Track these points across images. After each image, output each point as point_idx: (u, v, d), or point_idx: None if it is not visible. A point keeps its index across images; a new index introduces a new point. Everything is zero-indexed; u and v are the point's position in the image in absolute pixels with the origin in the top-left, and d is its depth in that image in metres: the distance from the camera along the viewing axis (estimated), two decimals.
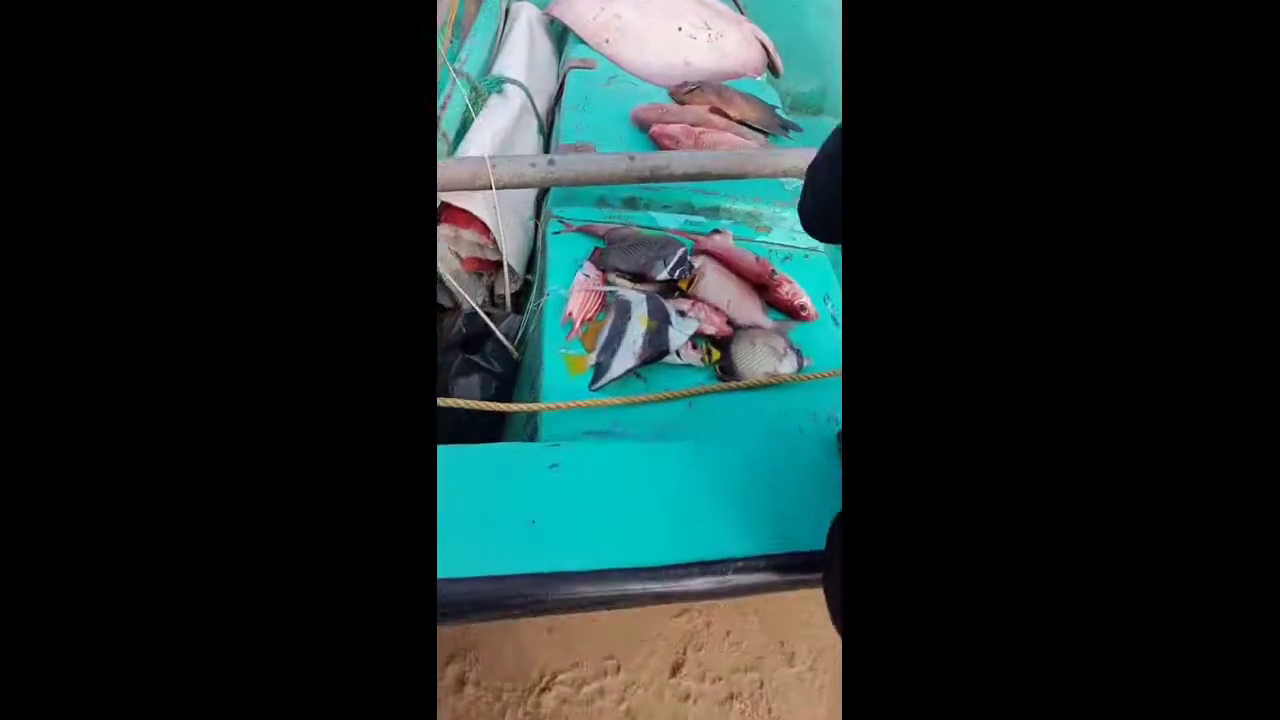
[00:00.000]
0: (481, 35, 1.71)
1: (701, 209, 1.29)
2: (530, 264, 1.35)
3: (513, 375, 1.11)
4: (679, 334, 0.94)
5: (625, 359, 0.92)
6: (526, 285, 1.31)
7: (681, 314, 0.97)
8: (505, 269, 1.18)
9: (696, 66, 1.64)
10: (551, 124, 1.61)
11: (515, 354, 1.11)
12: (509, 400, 1.10)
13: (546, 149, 1.59)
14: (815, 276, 1.19)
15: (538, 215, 1.34)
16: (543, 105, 1.65)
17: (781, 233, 1.27)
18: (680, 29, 1.67)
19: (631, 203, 1.26)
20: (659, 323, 0.95)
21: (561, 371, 0.94)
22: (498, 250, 1.23)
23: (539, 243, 1.20)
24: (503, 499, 0.69)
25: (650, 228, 1.21)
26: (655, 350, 0.93)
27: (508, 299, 1.17)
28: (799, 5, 2.11)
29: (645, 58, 1.62)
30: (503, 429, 1.07)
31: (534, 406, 0.87)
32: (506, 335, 1.10)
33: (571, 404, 0.87)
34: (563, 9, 1.73)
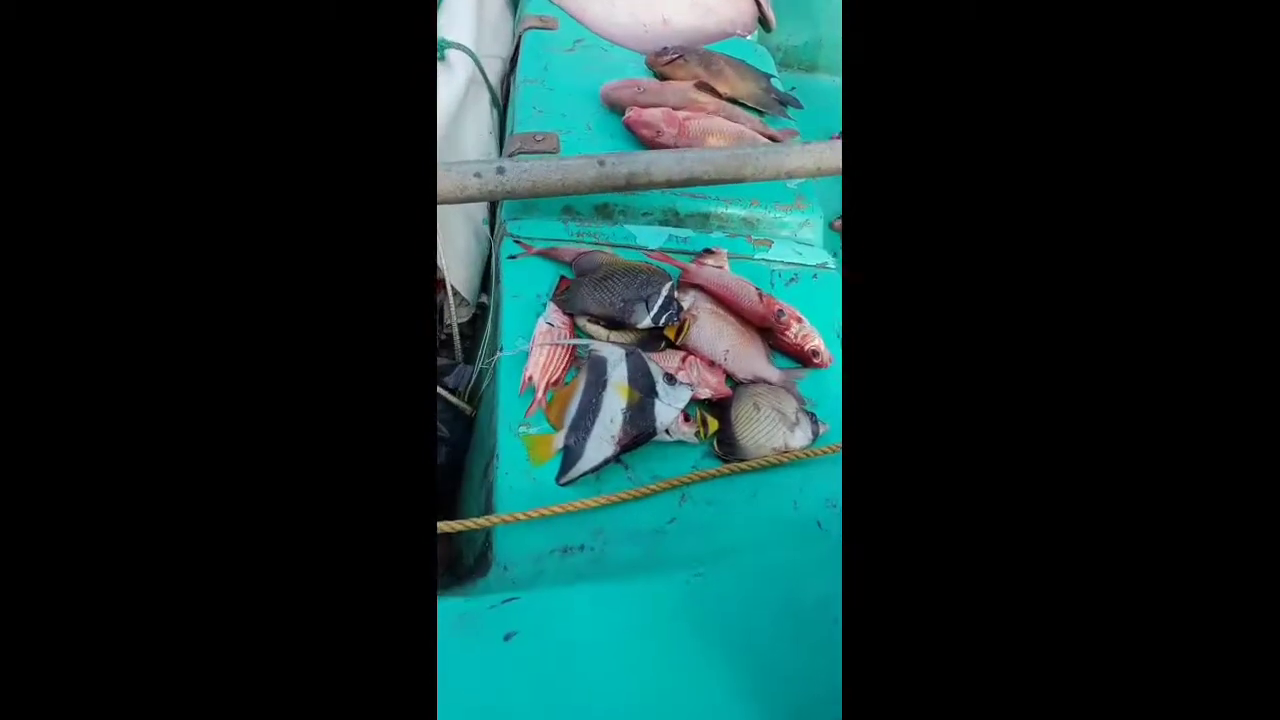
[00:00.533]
0: None
1: (688, 216, 1.07)
2: (485, 281, 1.13)
3: (466, 437, 0.91)
4: (668, 408, 0.75)
5: (601, 445, 0.73)
6: (482, 310, 1.09)
7: (670, 379, 0.78)
8: (449, 299, 0.96)
9: (677, 26, 1.37)
10: (507, 95, 1.34)
11: (469, 410, 0.91)
12: (461, 469, 0.91)
13: (502, 127, 1.33)
14: (827, 302, 1.00)
15: (492, 225, 1.10)
16: (495, 72, 1.37)
17: (784, 245, 1.06)
18: None
19: (604, 211, 1.04)
20: (642, 394, 0.76)
21: (520, 457, 0.75)
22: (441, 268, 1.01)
23: (493, 266, 0.98)
24: (447, 693, 0.51)
25: (627, 247, 0.99)
26: (638, 432, 0.74)
27: (456, 341, 0.95)
28: None
29: (616, 15, 1.34)
30: (455, 509, 0.89)
31: (485, 522, 0.68)
32: (455, 388, 0.90)
33: (533, 513, 0.69)
34: None
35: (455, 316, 0.99)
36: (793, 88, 1.91)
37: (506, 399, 0.79)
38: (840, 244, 1.56)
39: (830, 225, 1.58)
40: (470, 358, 0.98)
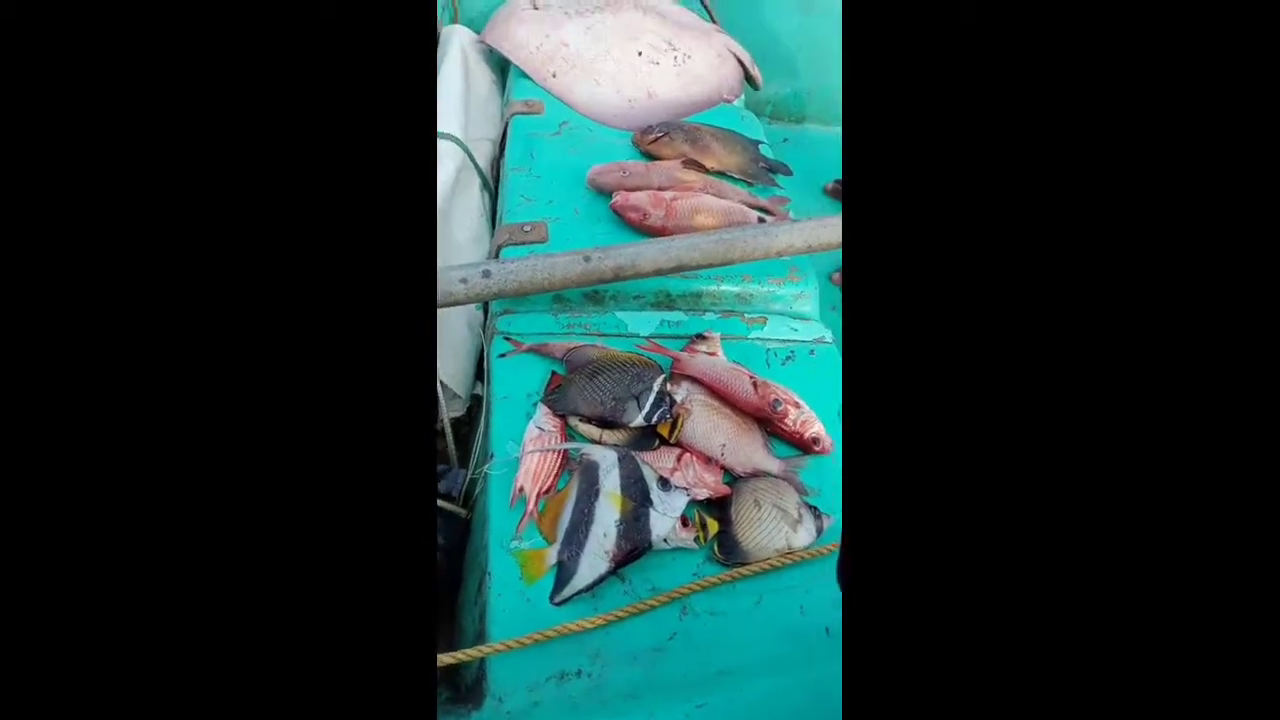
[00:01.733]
0: None
1: (680, 297, 1.06)
2: (479, 371, 1.12)
3: (462, 544, 0.89)
4: (663, 519, 0.73)
5: (595, 560, 0.71)
6: (476, 403, 1.08)
7: (665, 483, 0.76)
8: (441, 397, 0.96)
9: (663, 98, 1.39)
10: (498, 179, 1.36)
11: (464, 514, 0.89)
12: (458, 576, 0.89)
13: (493, 209, 1.34)
14: (825, 381, 0.98)
15: (485, 316, 1.10)
16: (485, 156, 1.40)
17: (779, 322, 1.05)
18: (640, 53, 1.41)
19: (595, 298, 1.03)
20: (636, 504, 0.74)
21: (513, 574, 0.73)
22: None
23: (484, 363, 0.97)
24: None
25: (619, 336, 0.98)
26: (633, 546, 0.72)
27: (449, 441, 0.95)
28: (769, 1, 1.85)
29: (601, 94, 1.36)
30: (453, 619, 0.86)
31: (477, 653, 0.66)
32: (448, 494, 0.88)
33: (527, 639, 0.66)
34: (499, 36, 1.47)
35: (447, 413, 0.98)
36: (785, 139, 1.94)
37: (497, 512, 0.77)
38: (839, 298, 1.54)
39: (830, 278, 1.57)
40: (464, 457, 0.97)
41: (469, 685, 0.70)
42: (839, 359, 1.02)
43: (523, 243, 1.07)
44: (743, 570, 0.75)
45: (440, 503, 0.86)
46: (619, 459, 0.78)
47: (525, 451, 0.80)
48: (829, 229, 1.01)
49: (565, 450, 0.80)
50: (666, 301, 1.06)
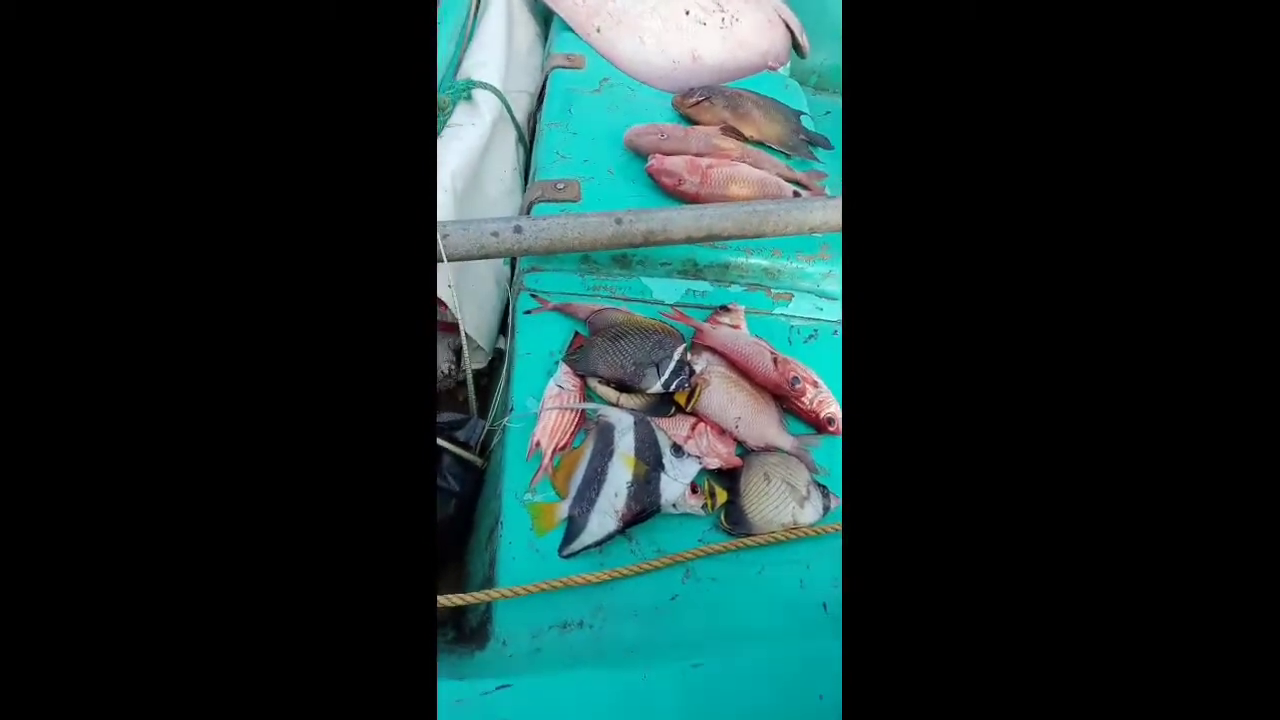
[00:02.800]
0: (449, 15, 1.42)
1: (708, 267, 1.05)
2: (503, 325, 1.14)
3: (477, 490, 0.92)
4: (674, 483, 0.74)
5: (604, 518, 0.73)
6: (499, 356, 1.10)
7: (678, 450, 0.77)
8: (464, 346, 0.97)
9: (707, 62, 1.36)
10: (534, 131, 1.34)
11: (480, 463, 0.91)
12: (470, 523, 0.92)
13: (527, 163, 1.33)
14: None
15: (512, 271, 1.11)
16: (522, 109, 1.38)
17: (805, 300, 1.04)
18: (687, 12, 1.37)
19: (623, 262, 1.03)
20: (648, 467, 0.75)
21: (524, 524, 0.75)
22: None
23: (509, 318, 0.98)
24: None
25: (644, 301, 0.98)
26: (642, 508, 0.73)
27: (471, 391, 0.96)
28: None
29: (644, 52, 1.33)
30: (462, 565, 0.89)
31: (484, 596, 0.68)
32: (466, 442, 0.91)
33: (533, 588, 0.69)
34: None
35: (470, 363, 1.00)
36: (827, 112, 1.88)
37: (514, 464, 0.79)
38: None
39: None
40: (484, 408, 0.99)
41: (474, 627, 0.73)
42: None
43: (555, 200, 1.06)
44: (746, 541, 0.76)
45: (458, 450, 0.88)
46: (635, 422, 0.79)
47: (544, 408, 0.81)
48: None
49: (583, 409, 0.82)
50: (694, 270, 1.05)
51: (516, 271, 1.05)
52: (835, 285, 1.08)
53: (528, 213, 1.07)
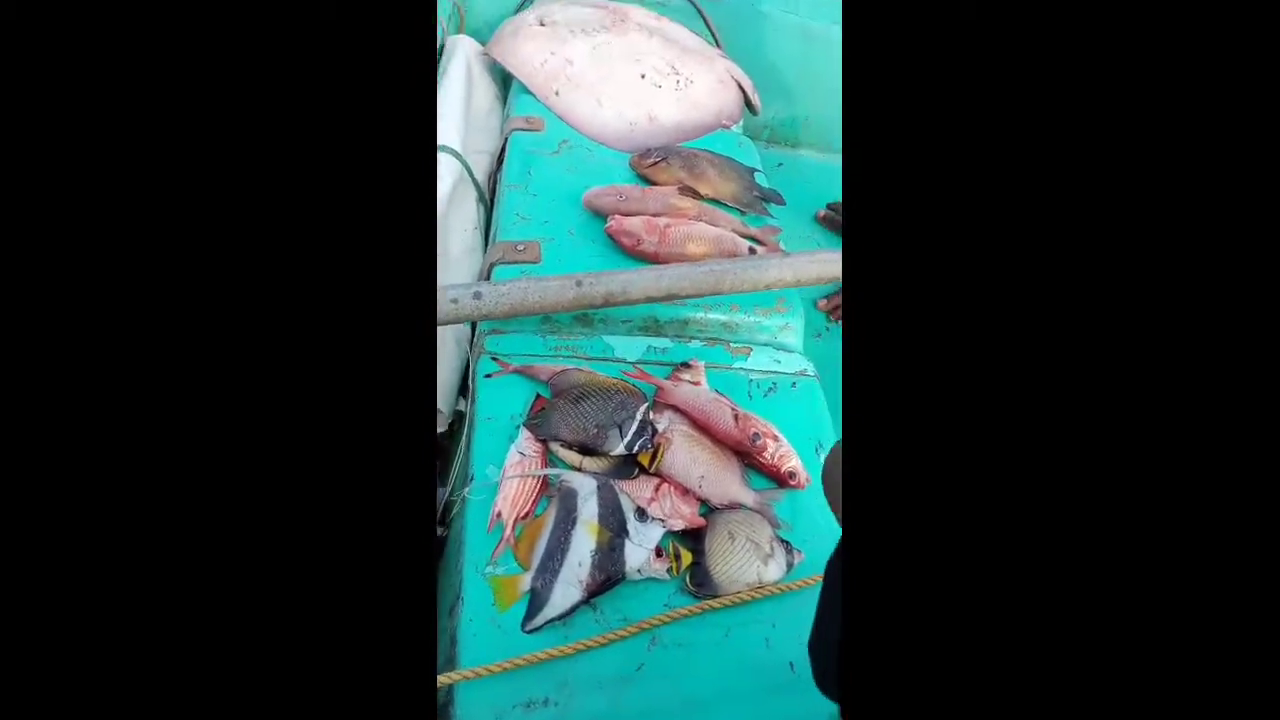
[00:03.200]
0: None
1: (668, 323, 1.07)
2: (464, 387, 1.13)
3: (438, 561, 0.90)
4: (638, 550, 0.74)
5: (569, 589, 0.72)
6: (459, 420, 1.09)
7: (642, 514, 0.77)
8: None
9: (662, 122, 1.41)
10: (494, 192, 1.37)
11: (440, 532, 0.90)
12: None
13: (488, 224, 1.35)
14: (805, 413, 1.00)
15: (472, 333, 1.11)
16: (483, 169, 1.40)
17: (763, 353, 1.06)
18: (643, 76, 1.43)
19: (584, 319, 1.04)
20: (612, 534, 0.75)
21: (485, 599, 0.74)
22: None
23: (470, 380, 0.98)
24: None
25: (606, 360, 0.99)
26: (607, 576, 0.73)
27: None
28: (773, 28, 1.87)
29: (602, 114, 1.38)
30: None
31: (446, 679, 0.66)
32: None
33: (495, 667, 0.67)
34: (504, 50, 1.48)
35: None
36: (780, 164, 1.96)
37: (474, 535, 0.78)
38: (823, 324, 1.56)
39: (815, 304, 1.59)
40: (444, 474, 0.98)
41: (438, 709, 0.71)
42: (819, 392, 1.04)
43: (515, 262, 1.08)
44: (712, 603, 0.76)
45: None
46: (598, 487, 0.79)
47: (505, 476, 0.80)
48: (817, 264, 1.03)
49: (545, 476, 0.81)
50: (654, 327, 1.07)
51: (476, 333, 1.05)
52: (792, 338, 1.11)
53: (489, 275, 1.08)
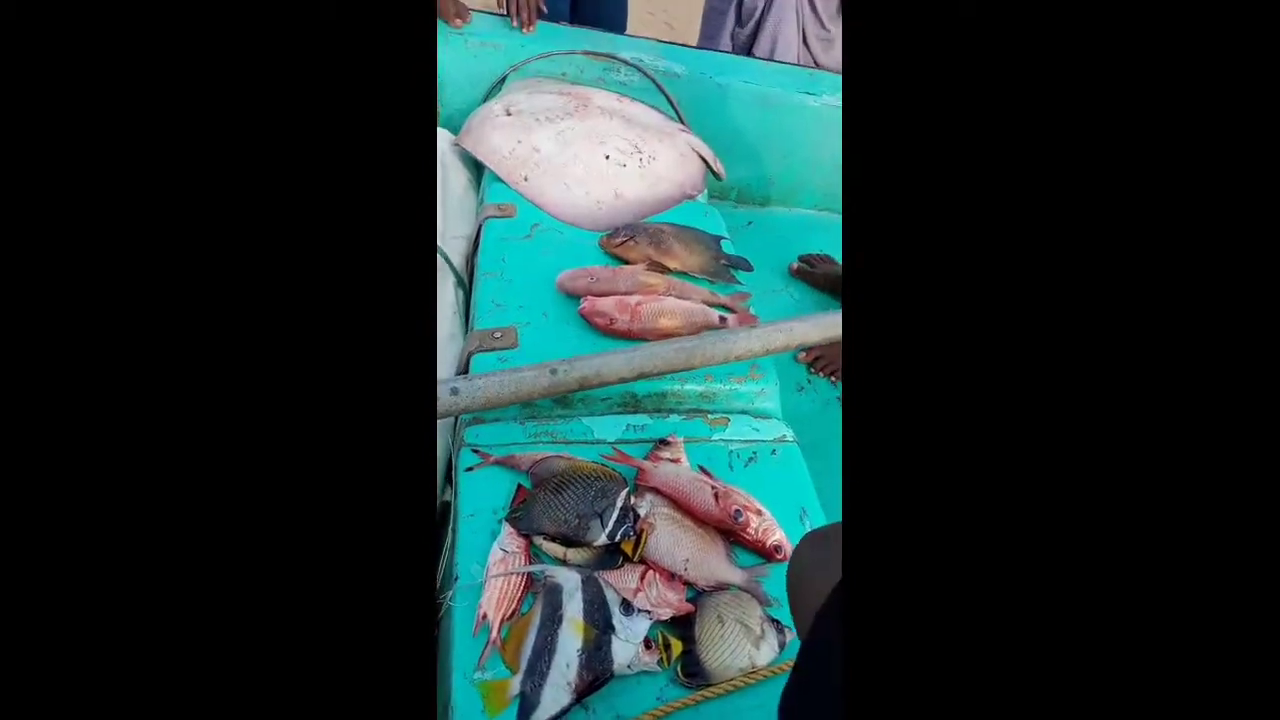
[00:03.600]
0: None
1: (646, 397, 1.09)
2: (448, 476, 1.13)
3: None
4: (626, 645, 0.74)
5: (558, 692, 0.71)
6: (444, 511, 1.09)
7: (628, 607, 0.77)
8: None
9: (629, 198, 1.47)
10: (472, 274, 1.40)
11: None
12: None
13: (467, 308, 1.38)
14: (786, 481, 1.01)
15: (454, 425, 1.12)
16: (459, 254, 1.45)
17: (741, 422, 1.08)
18: (607, 157, 1.49)
19: (564, 401, 1.06)
20: (598, 630, 0.74)
21: (475, 706, 0.72)
22: None
23: (452, 475, 0.99)
24: None
25: (585, 443, 1.01)
26: (595, 676, 0.72)
27: None
28: (731, 97, 1.97)
29: (571, 196, 1.43)
30: None
31: None
32: None
33: None
34: (474, 140, 1.54)
35: None
36: (749, 222, 2.03)
37: (461, 640, 0.77)
38: (804, 376, 1.59)
39: (795, 358, 1.62)
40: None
41: None
42: (799, 457, 1.05)
43: (492, 349, 1.10)
44: (706, 693, 0.75)
45: None
46: (582, 582, 0.79)
47: (489, 575, 0.80)
48: (783, 333, 1.06)
49: (530, 572, 0.81)
50: (632, 403, 1.09)
51: (457, 424, 1.06)
52: (769, 402, 1.13)
53: (467, 363, 1.10)
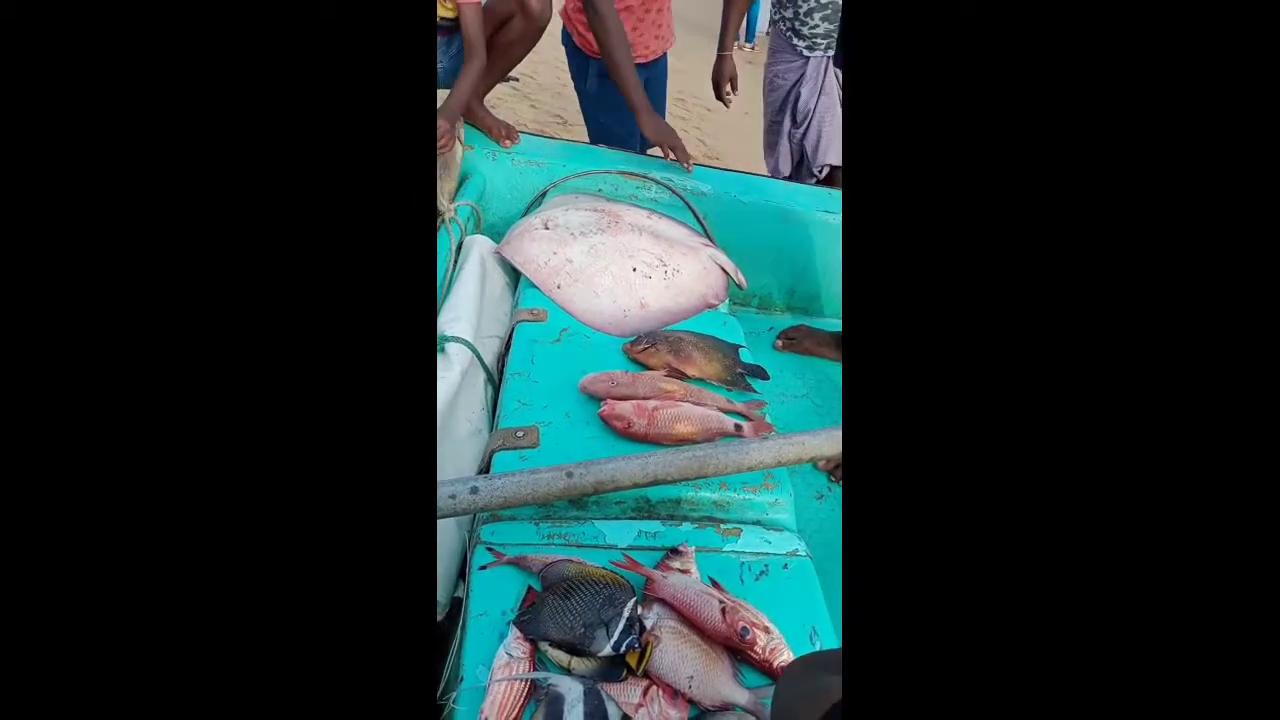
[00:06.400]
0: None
1: (659, 503, 1.11)
2: (462, 571, 1.15)
3: None
4: None
5: None
6: (456, 606, 1.10)
7: None
8: None
9: (653, 308, 1.56)
10: (502, 375, 1.48)
11: None
12: None
13: (494, 405, 1.45)
14: (797, 597, 1.00)
15: (472, 520, 1.16)
16: (492, 353, 1.54)
17: (753, 534, 1.09)
18: (634, 269, 1.60)
19: (579, 504, 1.09)
20: None
21: None
22: None
23: (465, 570, 1.01)
24: None
25: (597, 547, 1.02)
26: None
27: None
28: (754, 213, 2.12)
29: (598, 304, 1.53)
30: None
31: None
32: None
33: None
34: (513, 250, 1.68)
35: None
36: (770, 327, 2.11)
37: None
38: (825, 485, 1.58)
39: (816, 465, 1.63)
40: (438, 670, 0.97)
41: None
42: (812, 572, 1.05)
43: (514, 448, 1.15)
44: None
45: None
46: (584, 693, 0.78)
47: (493, 680, 0.81)
48: (795, 446, 1.09)
49: (532, 679, 0.81)
50: (646, 508, 1.11)
51: (474, 521, 1.09)
52: (783, 514, 1.14)
53: (489, 461, 1.15)
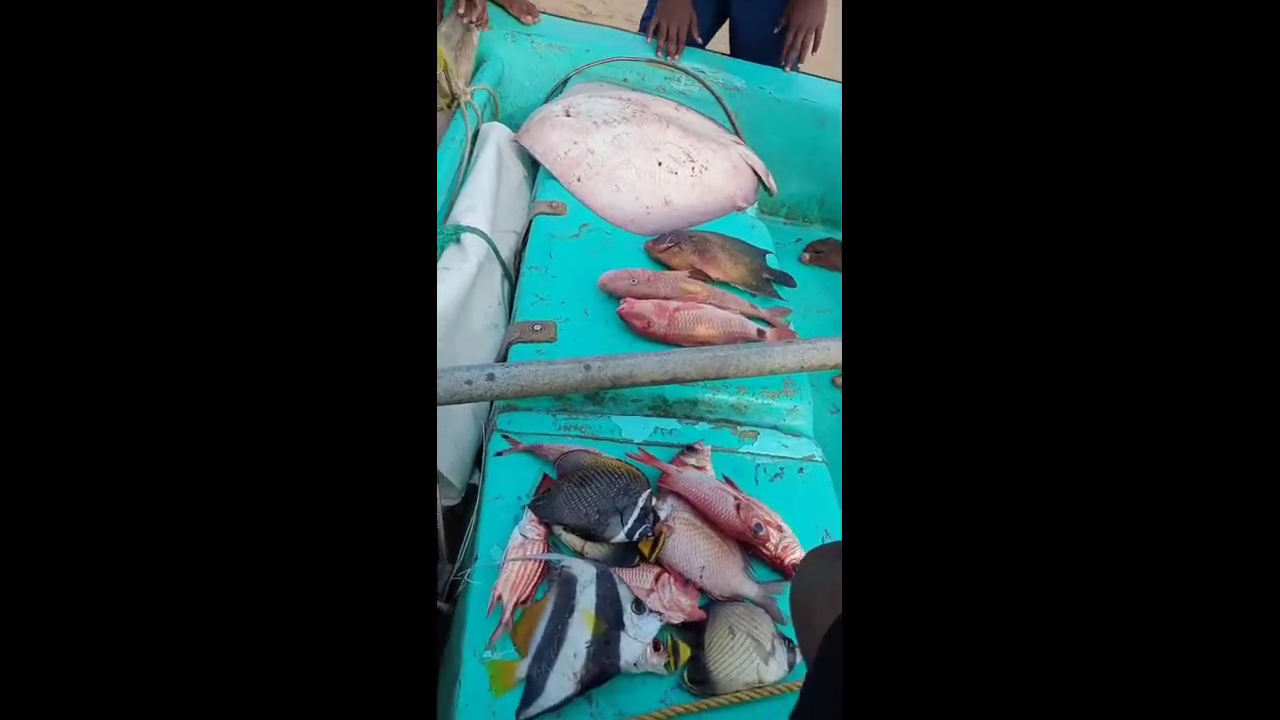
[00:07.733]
0: (443, 162, 1.56)
1: (676, 403, 1.10)
2: (478, 460, 1.16)
3: (445, 633, 0.90)
4: (634, 642, 0.74)
5: (563, 680, 0.72)
6: (471, 492, 1.12)
7: (639, 606, 0.77)
8: (436, 486, 0.99)
9: (678, 206, 1.48)
10: (519, 269, 1.44)
11: (446, 609, 0.91)
12: (438, 667, 0.89)
13: (511, 300, 1.41)
14: (812, 500, 0.99)
15: (489, 410, 1.15)
16: (509, 247, 1.48)
17: (770, 437, 1.08)
18: (660, 164, 1.51)
19: (595, 398, 1.07)
20: (608, 625, 0.75)
21: (482, 684, 0.74)
22: None
23: (482, 457, 1.01)
24: None
25: (613, 440, 1.02)
26: (601, 669, 0.73)
27: (439, 532, 0.98)
28: (788, 112, 1.97)
29: (620, 199, 1.45)
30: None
31: None
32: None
33: None
34: (532, 138, 1.58)
35: (441, 500, 1.01)
36: (798, 239, 2.02)
37: (475, 618, 0.79)
38: (839, 400, 1.56)
39: (833, 381, 1.60)
40: (453, 549, 0.99)
41: None
42: (827, 478, 1.04)
43: (532, 341, 1.12)
44: (710, 702, 0.75)
45: None
46: (597, 575, 0.79)
47: (507, 558, 0.82)
48: (819, 351, 1.05)
49: (546, 560, 0.83)
50: (663, 407, 1.10)
51: (491, 409, 1.09)
52: (800, 421, 1.12)
53: (506, 353, 1.13)
